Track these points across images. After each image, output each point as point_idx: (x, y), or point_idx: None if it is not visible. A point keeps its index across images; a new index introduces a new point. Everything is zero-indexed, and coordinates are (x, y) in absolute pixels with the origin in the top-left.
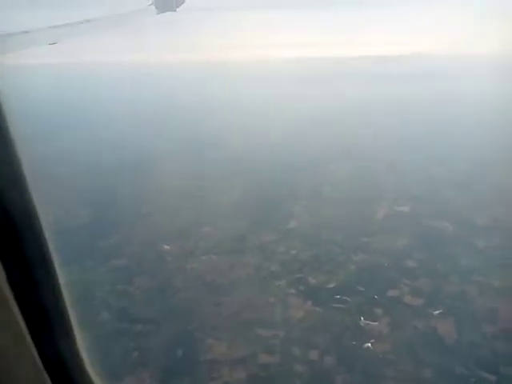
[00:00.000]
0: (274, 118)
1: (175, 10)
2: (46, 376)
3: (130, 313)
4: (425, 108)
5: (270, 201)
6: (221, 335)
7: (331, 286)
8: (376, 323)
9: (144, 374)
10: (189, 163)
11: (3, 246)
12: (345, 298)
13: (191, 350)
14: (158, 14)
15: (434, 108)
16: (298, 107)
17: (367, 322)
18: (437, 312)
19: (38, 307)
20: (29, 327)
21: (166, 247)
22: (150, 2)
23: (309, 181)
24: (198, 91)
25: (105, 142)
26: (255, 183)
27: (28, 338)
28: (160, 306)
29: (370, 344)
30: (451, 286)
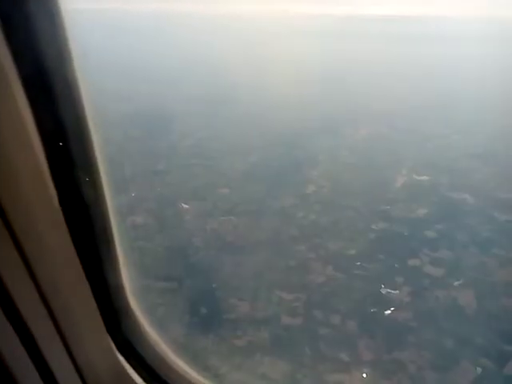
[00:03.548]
0: (286, 76)
1: None
2: (93, 300)
3: (153, 270)
4: (442, 71)
5: (287, 163)
6: (243, 295)
7: (351, 252)
8: (397, 292)
9: (169, 330)
10: (202, 122)
11: (64, 184)
12: (365, 265)
13: (214, 308)
14: None
15: (452, 72)
16: (311, 65)
17: (388, 290)
18: (457, 283)
19: (88, 234)
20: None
21: (185, 206)
22: None
23: (325, 144)
24: (206, 45)
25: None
26: (271, 145)
27: (78, 263)
28: (182, 265)
29: (390, 311)
30: (471, 258)
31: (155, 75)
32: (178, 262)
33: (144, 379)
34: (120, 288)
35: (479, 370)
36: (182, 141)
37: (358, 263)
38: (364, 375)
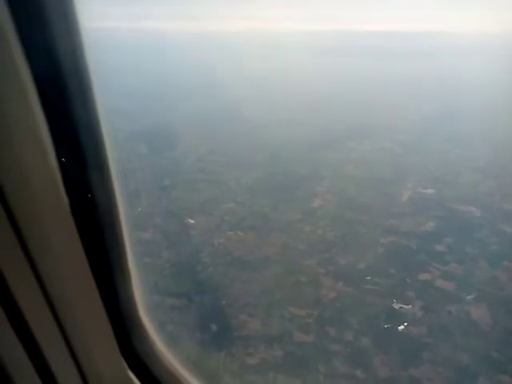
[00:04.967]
0: (289, 92)
1: None
2: (105, 316)
3: (160, 286)
4: (442, 86)
5: (292, 178)
6: (254, 312)
7: (361, 267)
8: (409, 306)
9: (179, 347)
10: (206, 137)
11: (81, 208)
12: (376, 279)
13: (225, 325)
14: None
15: (452, 86)
16: (313, 81)
17: (400, 304)
18: (470, 297)
19: (102, 252)
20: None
21: (191, 221)
22: None
23: (330, 159)
24: (208, 62)
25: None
26: (275, 159)
27: (91, 278)
28: (190, 281)
29: (403, 327)
30: (482, 272)
31: (158, 93)
32: (186, 279)
33: None
34: (132, 305)
35: None
36: (186, 156)
37: (369, 278)
38: None
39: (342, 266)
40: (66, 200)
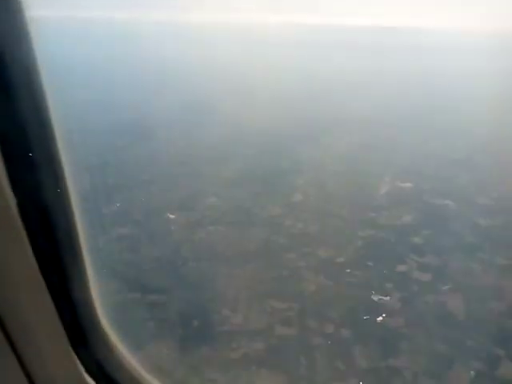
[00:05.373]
0: (270, 85)
1: None
2: (58, 320)
3: (140, 282)
4: (422, 81)
5: (272, 172)
6: (235, 306)
7: (341, 260)
8: (387, 298)
9: (161, 344)
10: (185, 131)
11: (32, 215)
12: (355, 272)
13: (207, 320)
14: None
15: (432, 81)
16: (295, 74)
17: (379, 296)
18: (445, 288)
19: (55, 257)
20: (43, 270)
21: (171, 216)
22: None
23: (310, 153)
24: (189, 54)
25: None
26: (256, 153)
27: (40, 278)
28: (170, 276)
29: (382, 318)
30: (457, 263)
31: (137, 84)
32: (167, 274)
33: None
34: (88, 304)
35: (473, 373)
36: (165, 150)
37: (348, 271)
38: (361, 383)
39: (322, 259)
40: (13, 199)
